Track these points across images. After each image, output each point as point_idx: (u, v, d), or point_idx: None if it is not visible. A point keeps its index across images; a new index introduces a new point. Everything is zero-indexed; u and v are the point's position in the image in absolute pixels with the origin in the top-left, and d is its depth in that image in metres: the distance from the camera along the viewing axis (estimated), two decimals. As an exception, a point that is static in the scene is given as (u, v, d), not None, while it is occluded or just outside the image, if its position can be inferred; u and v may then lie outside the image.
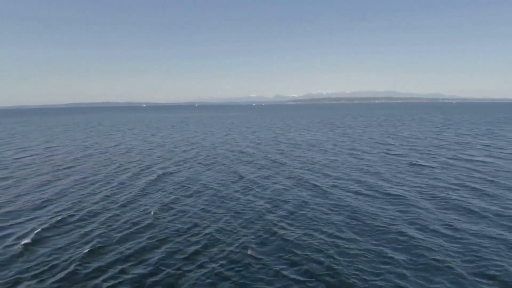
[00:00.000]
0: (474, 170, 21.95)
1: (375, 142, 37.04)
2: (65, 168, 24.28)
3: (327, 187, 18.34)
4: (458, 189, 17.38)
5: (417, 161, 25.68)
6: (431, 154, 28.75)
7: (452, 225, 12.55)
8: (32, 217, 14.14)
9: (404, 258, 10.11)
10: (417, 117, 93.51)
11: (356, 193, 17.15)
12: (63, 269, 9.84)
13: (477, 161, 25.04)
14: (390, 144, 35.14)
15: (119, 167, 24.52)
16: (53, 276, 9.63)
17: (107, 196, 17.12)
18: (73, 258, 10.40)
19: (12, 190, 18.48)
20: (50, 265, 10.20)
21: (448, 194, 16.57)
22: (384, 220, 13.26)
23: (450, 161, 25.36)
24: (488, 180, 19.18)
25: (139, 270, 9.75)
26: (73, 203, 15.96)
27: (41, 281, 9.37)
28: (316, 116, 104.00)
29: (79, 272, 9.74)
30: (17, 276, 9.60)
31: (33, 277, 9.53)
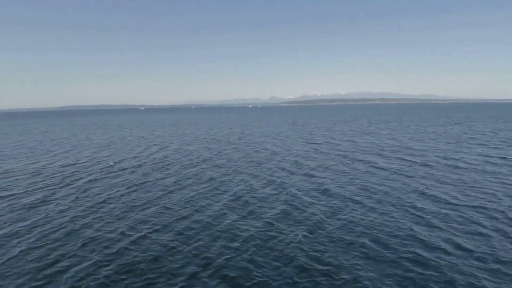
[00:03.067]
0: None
1: (307, 135, 49.12)
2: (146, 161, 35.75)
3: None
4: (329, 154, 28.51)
5: (312, 141, 39.04)
6: (333, 142, 40.87)
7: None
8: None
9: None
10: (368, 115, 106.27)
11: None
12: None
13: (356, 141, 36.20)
14: (313, 133, 46.94)
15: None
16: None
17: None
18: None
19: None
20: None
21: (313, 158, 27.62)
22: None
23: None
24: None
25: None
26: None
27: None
28: (292, 117, 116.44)
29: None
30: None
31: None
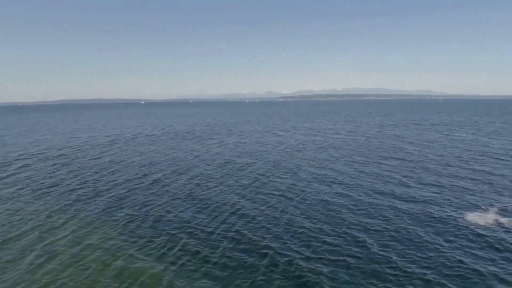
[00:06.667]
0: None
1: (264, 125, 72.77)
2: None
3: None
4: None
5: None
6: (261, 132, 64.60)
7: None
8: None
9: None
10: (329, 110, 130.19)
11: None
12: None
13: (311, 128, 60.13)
14: (267, 122, 70.54)
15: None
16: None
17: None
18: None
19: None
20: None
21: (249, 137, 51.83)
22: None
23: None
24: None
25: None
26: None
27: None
28: (274, 111, 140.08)
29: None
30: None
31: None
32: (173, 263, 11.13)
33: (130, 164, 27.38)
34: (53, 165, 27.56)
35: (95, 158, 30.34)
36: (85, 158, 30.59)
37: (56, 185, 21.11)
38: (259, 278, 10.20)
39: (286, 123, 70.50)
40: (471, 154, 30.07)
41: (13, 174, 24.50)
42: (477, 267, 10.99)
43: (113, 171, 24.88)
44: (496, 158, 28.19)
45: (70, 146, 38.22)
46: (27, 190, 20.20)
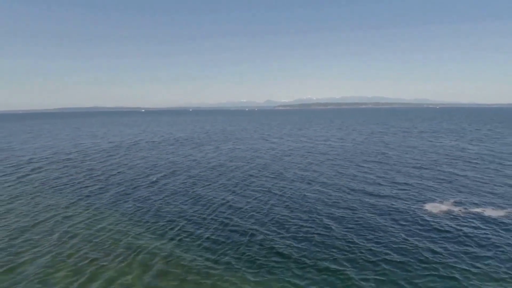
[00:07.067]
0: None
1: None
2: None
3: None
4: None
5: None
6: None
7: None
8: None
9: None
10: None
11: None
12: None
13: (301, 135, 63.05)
14: (261, 130, 73.38)
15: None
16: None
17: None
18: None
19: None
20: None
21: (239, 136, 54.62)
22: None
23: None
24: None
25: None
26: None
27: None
28: (271, 120, 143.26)
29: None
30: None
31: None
32: (172, 239, 13.81)
33: (134, 166, 30.11)
34: (63, 167, 30.23)
35: (101, 162, 33.01)
36: (92, 161, 33.26)
37: (69, 184, 23.76)
38: (241, 248, 12.87)
39: (281, 130, 73.42)
40: (446, 158, 32.84)
41: (28, 175, 27.14)
42: (418, 243, 13.64)
43: (118, 172, 27.56)
44: (468, 162, 30.96)
45: (77, 151, 40.89)
46: (44, 187, 22.84)
